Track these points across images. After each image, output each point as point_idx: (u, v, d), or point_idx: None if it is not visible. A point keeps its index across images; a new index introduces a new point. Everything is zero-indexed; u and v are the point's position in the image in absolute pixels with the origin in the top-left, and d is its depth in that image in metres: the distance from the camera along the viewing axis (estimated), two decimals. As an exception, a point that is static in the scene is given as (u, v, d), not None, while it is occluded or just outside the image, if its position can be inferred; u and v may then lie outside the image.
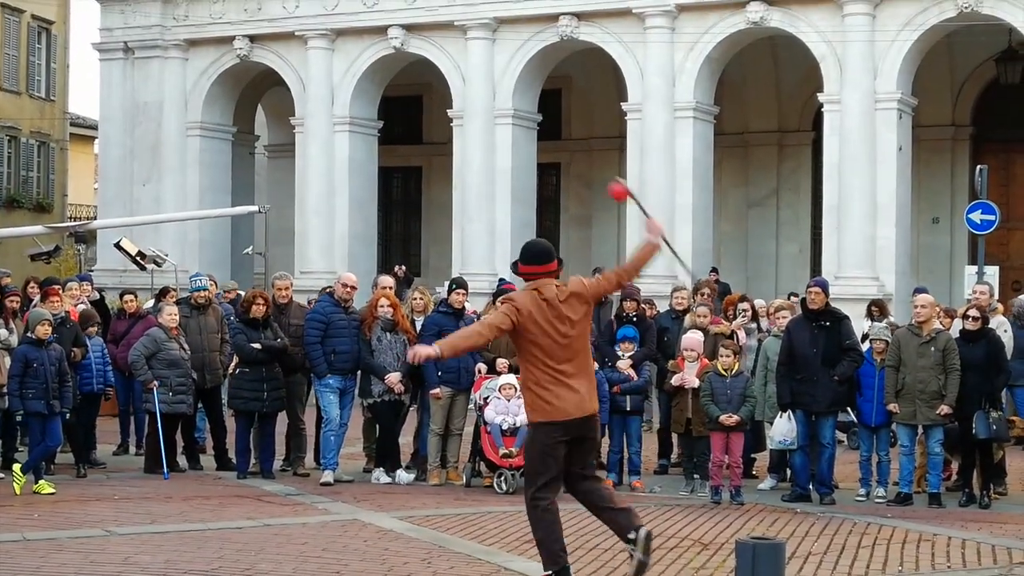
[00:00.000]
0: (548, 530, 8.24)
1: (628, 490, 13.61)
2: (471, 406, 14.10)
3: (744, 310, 14.95)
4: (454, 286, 14.40)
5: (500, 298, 8.34)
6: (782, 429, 13.27)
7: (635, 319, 14.57)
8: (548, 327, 8.20)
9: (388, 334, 14.05)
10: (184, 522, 11.46)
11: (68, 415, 13.87)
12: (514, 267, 8.66)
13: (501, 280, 16.49)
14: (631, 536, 8.08)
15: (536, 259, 8.46)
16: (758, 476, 14.51)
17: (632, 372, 14.01)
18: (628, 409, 13.88)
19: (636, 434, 14.00)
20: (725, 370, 13.15)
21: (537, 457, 8.39)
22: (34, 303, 14.93)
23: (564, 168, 33.26)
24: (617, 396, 13.78)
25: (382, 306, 14.12)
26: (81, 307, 15.60)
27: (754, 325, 14.94)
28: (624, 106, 26.96)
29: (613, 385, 13.78)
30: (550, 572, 8.19)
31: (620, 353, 14.10)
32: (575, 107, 32.79)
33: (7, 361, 13.76)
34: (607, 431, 13.91)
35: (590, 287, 8.48)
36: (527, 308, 8.21)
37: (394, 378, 13.92)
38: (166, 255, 22.97)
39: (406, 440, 14.99)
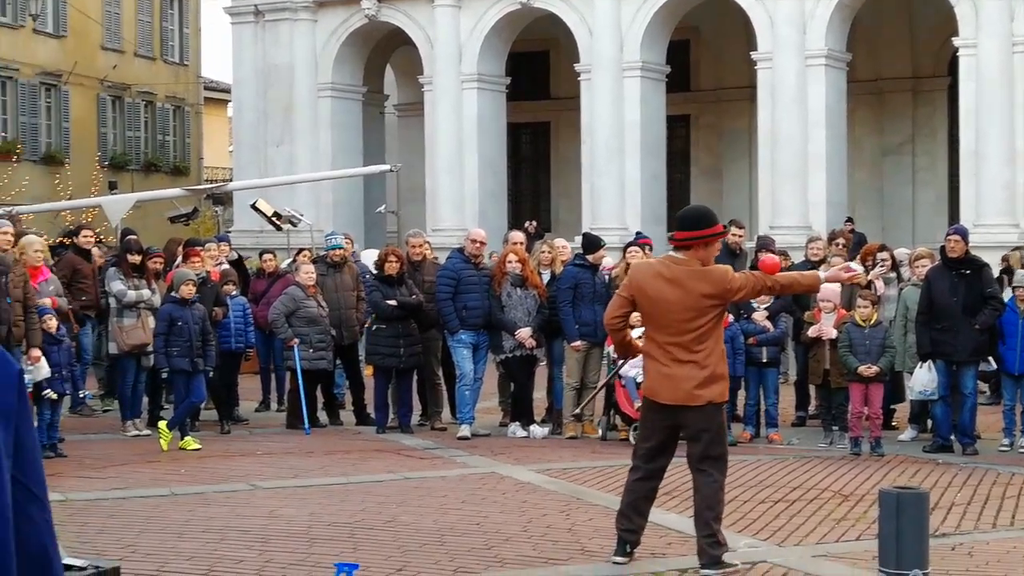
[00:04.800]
0: (624, 494, 8.24)
1: (765, 443, 13.54)
2: (605, 360, 14.11)
3: (883, 259, 14.72)
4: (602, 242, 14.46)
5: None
6: (922, 379, 13.07)
7: (770, 270, 14.43)
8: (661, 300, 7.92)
9: (518, 289, 14.10)
10: (326, 476, 11.67)
11: (211, 373, 14.17)
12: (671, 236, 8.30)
13: (638, 234, 16.40)
14: (700, 563, 7.95)
15: (683, 223, 8.08)
16: (898, 427, 14.34)
17: (768, 324, 13.89)
18: (764, 361, 13.79)
19: (773, 386, 13.91)
20: (863, 321, 12.98)
21: (642, 424, 8.41)
22: (176, 263, 15.25)
23: (694, 120, 32.99)
24: (753, 348, 13.70)
25: (510, 262, 14.18)
26: (221, 267, 15.89)
27: (894, 275, 14.71)
28: (754, 55, 26.62)
29: (749, 337, 13.69)
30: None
31: (756, 305, 13.98)
32: (704, 58, 32.47)
33: (151, 321, 14.10)
34: (743, 383, 13.83)
35: (732, 282, 7.94)
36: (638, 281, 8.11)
37: (525, 333, 13.98)
38: (301, 215, 23.27)
39: (540, 395, 15.06)
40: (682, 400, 7.90)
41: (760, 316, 13.87)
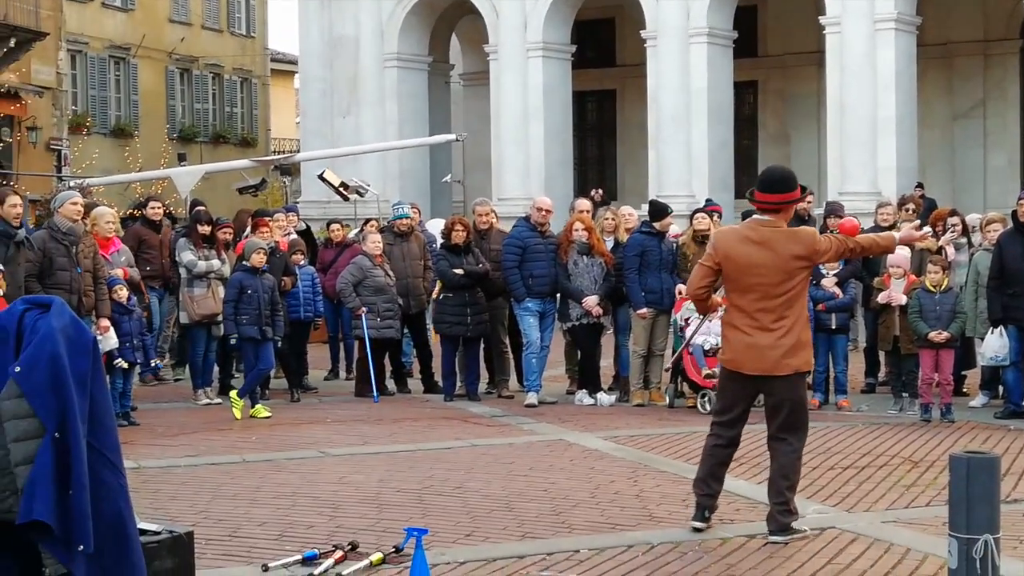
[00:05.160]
0: (703, 460, 8.18)
1: (835, 409, 13.47)
2: (671, 327, 14.08)
3: (954, 224, 14.56)
4: (669, 209, 14.38)
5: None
6: (994, 345, 12.93)
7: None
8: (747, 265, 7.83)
9: (584, 257, 14.08)
10: (395, 443, 11.75)
11: (280, 343, 14.28)
12: (751, 196, 8.17)
13: (708, 201, 16.30)
14: (769, 529, 7.93)
15: (770, 186, 7.95)
16: (969, 393, 14.20)
17: (837, 290, 13.79)
18: (834, 327, 13.70)
19: (842, 353, 13.82)
20: (934, 286, 12.86)
21: (722, 395, 8.31)
22: (245, 234, 15.38)
23: (761, 85, 32.76)
24: (822, 314, 13.60)
25: (577, 230, 14.16)
26: (289, 237, 16.00)
27: (964, 240, 14.55)
28: (822, 20, 26.37)
29: (818, 303, 13.60)
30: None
31: (825, 271, 13.89)
32: (771, 23, 32.20)
33: (222, 291, 14.24)
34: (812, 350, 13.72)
35: (820, 243, 7.93)
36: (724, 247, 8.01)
37: (591, 301, 13.97)
38: (368, 185, 23.35)
39: (607, 363, 15.06)
40: (768, 370, 7.83)
41: (829, 282, 13.78)
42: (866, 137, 25.42)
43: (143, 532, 5.32)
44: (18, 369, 4.56)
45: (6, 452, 4.53)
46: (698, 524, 8.10)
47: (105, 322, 12.66)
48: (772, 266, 7.78)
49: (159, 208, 16.93)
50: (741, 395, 8.06)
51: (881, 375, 14.77)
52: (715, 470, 8.15)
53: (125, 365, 12.89)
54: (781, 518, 7.87)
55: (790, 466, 7.94)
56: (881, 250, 9.16)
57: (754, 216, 8.11)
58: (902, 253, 13.38)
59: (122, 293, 13.23)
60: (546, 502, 9.05)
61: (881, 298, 13.36)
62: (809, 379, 13.68)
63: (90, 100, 35.39)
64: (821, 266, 13.86)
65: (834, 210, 14.80)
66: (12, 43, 28.99)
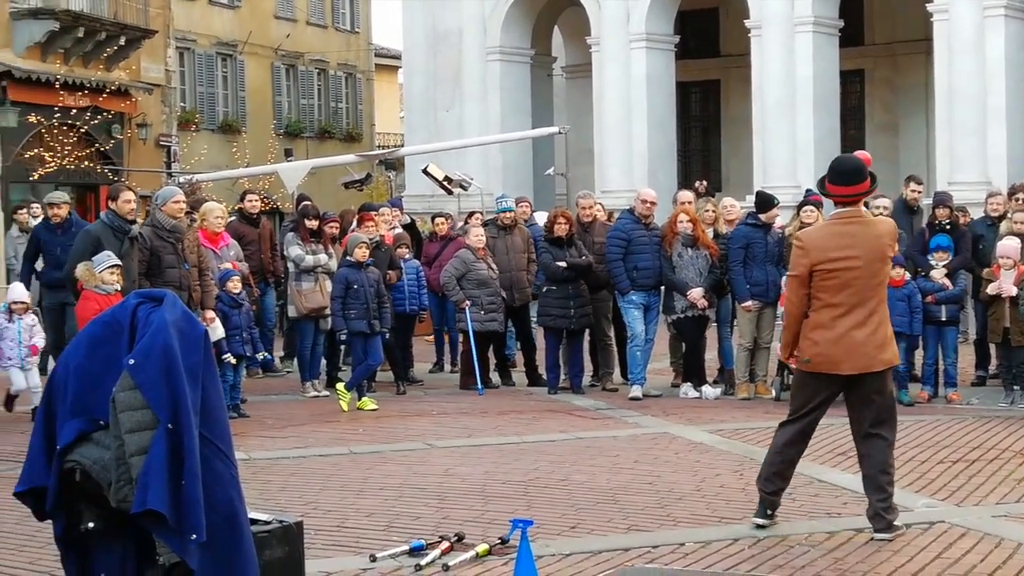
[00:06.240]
0: (772, 458, 7.99)
1: (944, 402, 13.28)
2: (779, 320, 13.95)
3: (1066, 213, 14.25)
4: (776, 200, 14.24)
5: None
6: (1109, 337, 12.66)
7: (948, 227, 14.12)
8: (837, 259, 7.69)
9: (689, 249, 14.01)
10: (500, 435, 11.80)
11: (386, 335, 14.39)
12: (820, 185, 8.08)
13: (808, 191, 16.11)
14: (875, 528, 7.75)
15: (849, 178, 7.84)
16: (1083, 386, 13.90)
17: (947, 281, 13.57)
18: (943, 319, 13.48)
19: (952, 345, 13.59)
20: (1046, 276, 12.62)
21: (805, 394, 7.98)
22: (351, 228, 15.51)
23: (868, 74, 32.33)
24: (931, 306, 13.41)
25: (681, 222, 14.09)
26: (394, 231, 16.12)
27: (1077, 229, 14.24)
28: (930, 7, 25.96)
29: (927, 295, 13.40)
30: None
31: (934, 262, 13.69)
32: (878, 10, 31.77)
33: (329, 285, 14.39)
34: (921, 342, 13.56)
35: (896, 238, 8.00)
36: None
37: (696, 293, 13.89)
38: (471, 179, 23.45)
39: (711, 356, 14.98)
40: (864, 367, 7.68)
41: (939, 274, 13.57)
42: (975, 126, 25.01)
43: (254, 522, 5.41)
44: (132, 362, 4.67)
45: (121, 443, 4.64)
46: (762, 521, 7.90)
47: (211, 313, 12.82)
48: (867, 257, 7.69)
49: (256, 201, 17.02)
50: (826, 393, 7.86)
51: (992, 367, 14.52)
52: (784, 470, 7.96)
53: (233, 360, 13.07)
54: (887, 515, 7.74)
55: (887, 460, 7.81)
56: None
57: (837, 210, 7.98)
58: (1012, 244, 13.14)
59: (237, 284, 13.42)
60: (651, 495, 9.04)
61: (991, 289, 13.13)
62: (919, 372, 13.57)
63: (198, 97, 35.93)
64: (930, 257, 13.71)
65: (943, 200, 14.56)
66: (122, 41, 29.51)
